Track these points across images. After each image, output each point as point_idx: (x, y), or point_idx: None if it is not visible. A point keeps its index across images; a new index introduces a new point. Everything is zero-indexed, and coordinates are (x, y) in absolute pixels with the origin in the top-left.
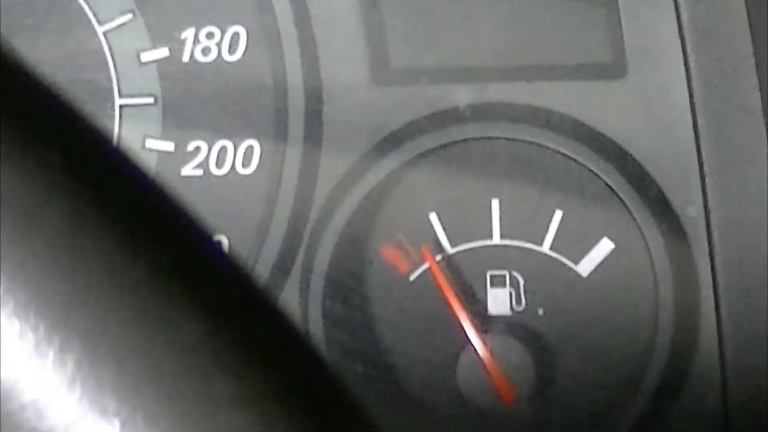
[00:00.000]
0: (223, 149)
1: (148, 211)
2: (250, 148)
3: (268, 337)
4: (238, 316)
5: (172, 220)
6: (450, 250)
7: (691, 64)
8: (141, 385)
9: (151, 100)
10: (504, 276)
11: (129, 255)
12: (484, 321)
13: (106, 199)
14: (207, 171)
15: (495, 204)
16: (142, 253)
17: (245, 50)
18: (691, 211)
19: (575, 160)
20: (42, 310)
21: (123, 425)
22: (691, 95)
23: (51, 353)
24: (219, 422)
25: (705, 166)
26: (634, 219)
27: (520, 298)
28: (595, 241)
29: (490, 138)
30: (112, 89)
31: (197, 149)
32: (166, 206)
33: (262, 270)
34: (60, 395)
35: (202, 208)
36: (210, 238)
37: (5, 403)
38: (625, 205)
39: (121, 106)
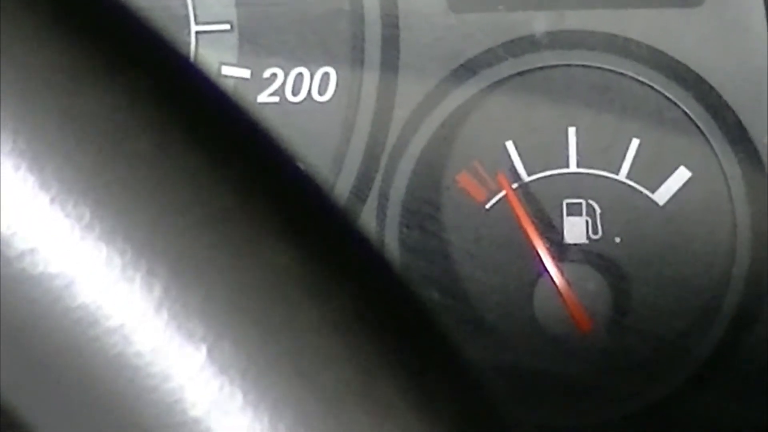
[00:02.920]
0: (299, 76)
1: (234, 133)
2: (326, 75)
3: (354, 263)
4: (325, 241)
5: (257, 143)
6: (526, 178)
7: None
8: (228, 311)
9: (227, 26)
10: (580, 204)
11: (216, 179)
12: (560, 249)
13: (193, 123)
14: (283, 98)
15: (572, 132)
16: (229, 177)
17: None
18: None
19: (652, 88)
20: (129, 235)
21: (210, 350)
22: None
23: (138, 278)
24: (304, 347)
25: None
26: (711, 147)
27: (596, 227)
28: (672, 170)
29: (567, 66)
30: (188, 16)
31: (273, 76)
32: (253, 130)
33: (338, 197)
34: (147, 320)
35: (279, 135)
36: (295, 162)
37: (93, 328)
38: (702, 133)
39: (197, 33)
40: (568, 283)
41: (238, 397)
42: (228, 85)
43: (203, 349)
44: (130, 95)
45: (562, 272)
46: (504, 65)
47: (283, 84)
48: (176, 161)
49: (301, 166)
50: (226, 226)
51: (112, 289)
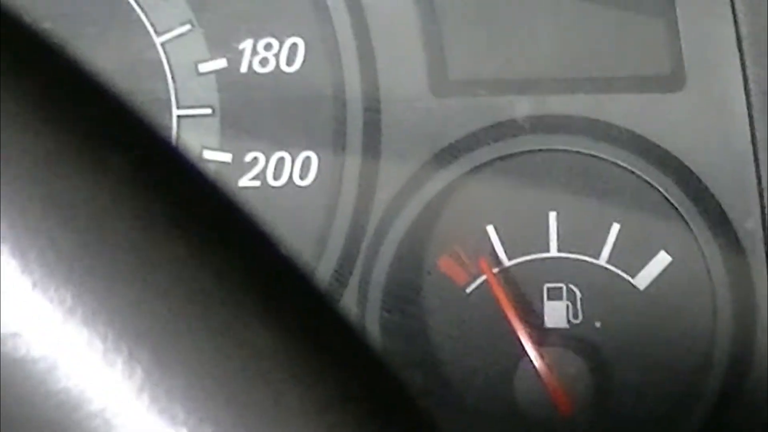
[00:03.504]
0: (281, 160)
1: (215, 217)
2: (308, 159)
3: (335, 346)
4: (306, 325)
5: (239, 227)
6: (507, 262)
7: (750, 77)
8: (209, 395)
9: (209, 111)
10: (561, 289)
11: (197, 262)
12: (541, 333)
13: (174, 205)
14: (264, 182)
15: (552, 216)
16: (210, 261)
17: (303, 61)
18: (749, 225)
19: (633, 173)
20: (110, 319)
21: None
22: (749, 108)
23: (119, 362)
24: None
25: (763, 179)
26: (691, 232)
27: (577, 311)
28: (653, 255)
29: (548, 150)
30: (169, 100)
31: (255, 160)
32: (234, 214)
33: (320, 281)
34: (128, 404)
35: (260, 219)
36: (276, 245)
37: (74, 413)
38: (682, 218)
39: (179, 117)
40: (549, 367)
41: None
42: (209, 170)
43: None
44: (113, 179)
45: (542, 356)
46: (485, 149)
47: (265, 168)
48: (157, 245)
49: (283, 249)
50: (207, 309)
51: (94, 373)
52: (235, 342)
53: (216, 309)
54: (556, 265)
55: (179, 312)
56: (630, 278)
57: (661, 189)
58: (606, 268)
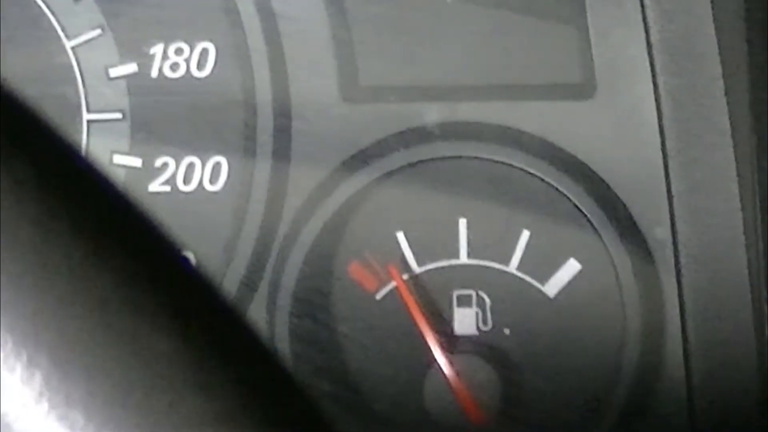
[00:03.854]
0: (191, 165)
1: (117, 225)
2: (218, 164)
3: (236, 354)
4: (207, 331)
5: (141, 234)
6: (417, 269)
7: (660, 85)
8: (109, 400)
9: (119, 115)
10: (471, 296)
11: (98, 269)
12: (450, 340)
13: (75, 212)
14: (174, 187)
15: (462, 223)
16: (110, 268)
17: (214, 66)
18: (658, 233)
19: (543, 181)
20: (10, 325)
21: None
22: (660, 116)
23: (19, 367)
24: None
25: (673, 188)
26: (601, 240)
27: (486, 318)
28: (562, 262)
29: (459, 157)
30: (80, 104)
31: (165, 165)
32: (135, 220)
33: (229, 286)
34: (28, 409)
35: (170, 224)
36: (179, 252)
37: None
38: (592, 226)
39: (89, 122)
40: (458, 374)
41: None
42: (119, 174)
43: None
44: (14, 185)
45: (452, 363)
46: (396, 156)
47: (175, 173)
48: (58, 251)
49: (190, 255)
50: (108, 316)
51: None
52: (136, 349)
53: (117, 316)
54: (466, 272)
55: (79, 319)
56: (539, 285)
57: (571, 197)
58: (516, 276)
